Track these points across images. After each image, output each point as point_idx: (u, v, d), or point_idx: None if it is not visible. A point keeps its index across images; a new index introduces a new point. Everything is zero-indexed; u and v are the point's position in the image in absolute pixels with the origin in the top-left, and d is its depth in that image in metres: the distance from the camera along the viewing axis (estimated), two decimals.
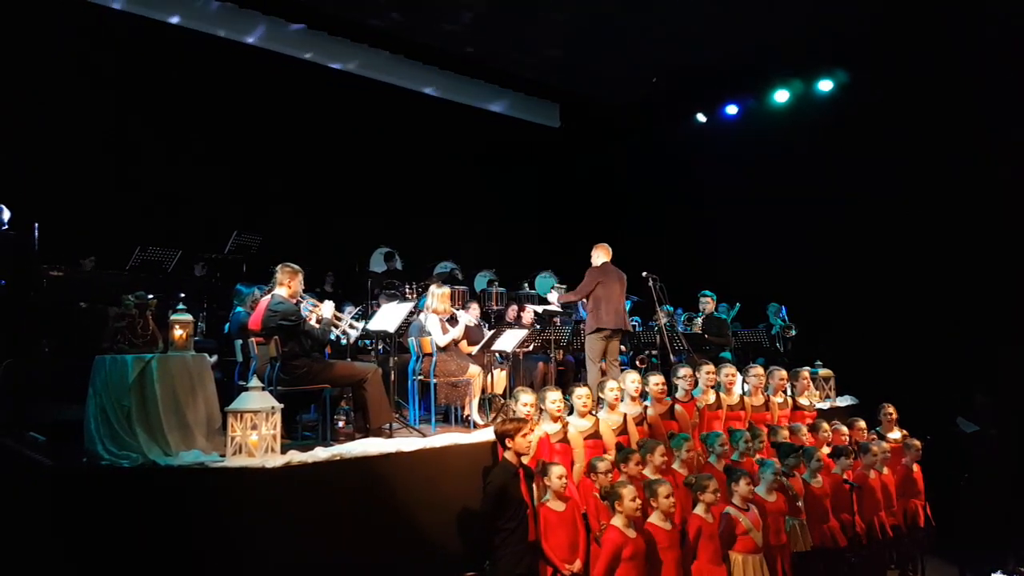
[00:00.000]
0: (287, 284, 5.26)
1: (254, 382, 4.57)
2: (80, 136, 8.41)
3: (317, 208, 10.24)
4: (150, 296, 5.12)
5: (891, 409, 7.25)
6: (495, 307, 9.24)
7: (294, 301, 5.27)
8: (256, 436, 4.37)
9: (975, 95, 9.27)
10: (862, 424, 7.01)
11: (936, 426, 7.75)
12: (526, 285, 10.41)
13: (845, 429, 6.76)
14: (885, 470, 6.61)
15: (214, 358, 6.43)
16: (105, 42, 8.84)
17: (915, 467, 6.79)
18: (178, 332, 4.79)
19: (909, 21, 9.32)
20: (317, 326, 5.30)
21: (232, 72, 9.83)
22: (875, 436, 6.99)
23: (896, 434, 7.11)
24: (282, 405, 4.58)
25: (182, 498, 4.21)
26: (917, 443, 6.82)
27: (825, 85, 11.02)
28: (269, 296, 5.19)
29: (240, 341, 5.89)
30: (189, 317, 4.88)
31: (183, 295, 6.63)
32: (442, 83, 12.07)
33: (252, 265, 7.75)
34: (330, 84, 10.81)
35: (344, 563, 4.40)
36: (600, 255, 7.39)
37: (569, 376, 7.96)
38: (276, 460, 4.33)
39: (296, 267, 5.36)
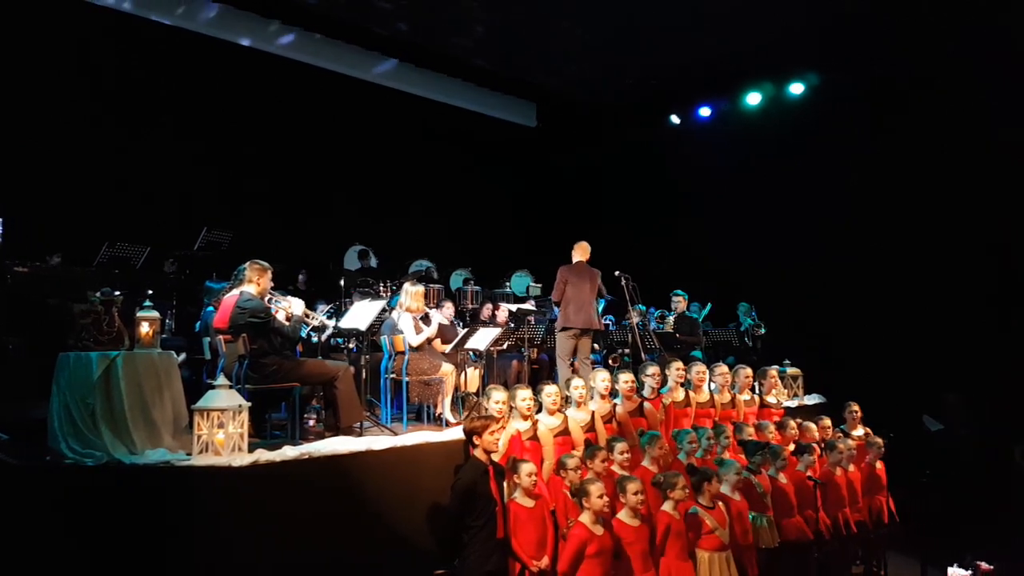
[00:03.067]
0: (256, 281, 5.22)
1: (221, 380, 4.54)
2: (47, 129, 8.27)
3: (291, 205, 10.16)
4: (116, 293, 5.05)
5: (856, 407, 7.37)
6: (470, 306, 9.26)
7: (263, 298, 5.24)
8: (223, 435, 4.34)
9: (945, 97, 9.46)
10: (827, 422, 7.12)
11: (901, 424, 7.90)
12: (507, 285, 10.44)
13: (812, 426, 6.87)
14: (851, 467, 6.72)
15: (182, 356, 6.39)
16: (74, 35, 8.70)
17: (879, 464, 6.92)
18: (145, 329, 4.75)
19: (881, 24, 9.44)
20: (287, 323, 5.27)
21: (205, 68, 9.73)
22: (840, 434, 7.11)
23: (860, 432, 7.24)
24: (250, 403, 4.56)
25: (147, 497, 4.17)
26: (880, 440, 6.95)
27: (796, 88, 11.15)
28: (237, 293, 5.16)
29: (209, 339, 5.85)
30: (156, 314, 4.84)
31: (151, 292, 6.57)
32: (419, 81, 12.04)
33: (223, 262, 7.67)
34: (304, 80, 10.72)
35: (312, 562, 4.38)
36: (576, 254, 7.44)
37: (543, 374, 8.00)
38: (243, 459, 4.30)
39: (265, 264, 5.32)
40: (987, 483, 8.14)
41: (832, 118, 10.50)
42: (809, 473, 6.14)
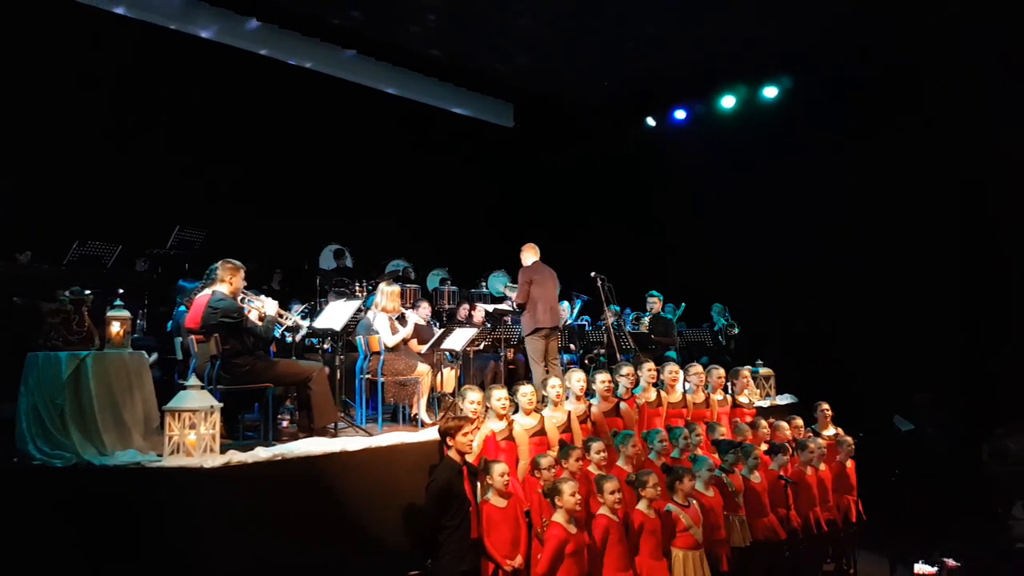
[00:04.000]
0: (228, 281, 5.18)
1: (193, 380, 4.49)
2: (16, 126, 8.13)
3: (266, 204, 10.04)
4: (87, 292, 4.99)
5: (827, 407, 7.47)
6: (447, 306, 9.25)
7: (236, 298, 5.20)
8: (194, 436, 4.31)
9: (916, 101, 9.62)
10: (799, 421, 7.22)
11: (870, 424, 8.02)
12: (484, 285, 10.44)
13: (784, 426, 6.96)
14: (822, 466, 6.82)
15: (154, 356, 6.31)
16: (45, 29, 8.56)
17: (849, 463, 7.03)
18: (115, 329, 4.70)
19: (851, 29, 9.58)
20: (259, 324, 5.23)
21: (179, 64, 9.60)
22: (811, 433, 7.20)
23: (831, 431, 7.34)
24: (222, 404, 4.52)
25: (117, 499, 4.13)
26: (850, 440, 7.06)
27: (770, 92, 11.28)
28: (209, 293, 5.11)
29: (181, 339, 5.79)
30: (127, 314, 4.79)
31: (122, 291, 6.49)
32: (396, 80, 12.01)
33: (196, 261, 7.59)
34: (281, 78, 10.64)
35: (285, 563, 4.35)
36: (528, 255, 7.39)
37: (520, 375, 8.00)
38: (215, 460, 4.26)
39: (237, 263, 5.28)
40: (956, 482, 8.30)
41: (805, 121, 10.64)
42: (782, 472, 6.23)
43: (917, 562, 5.01)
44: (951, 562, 4.71)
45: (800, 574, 6.41)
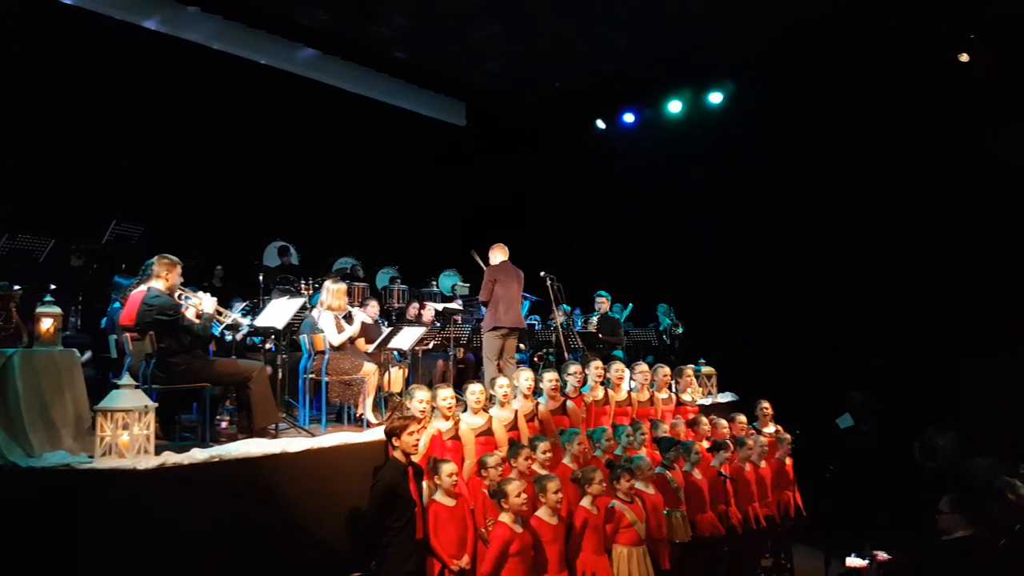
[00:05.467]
0: (164, 277, 5.04)
1: (127, 379, 4.35)
2: None
3: (209, 199, 9.77)
4: (15, 287, 4.80)
5: (767, 405, 7.67)
6: (396, 304, 9.17)
7: (172, 295, 5.07)
8: (127, 436, 4.18)
9: (857, 107, 9.92)
10: (742, 419, 7.38)
11: (809, 421, 8.25)
12: (434, 284, 10.39)
13: (724, 423, 7.11)
14: (762, 463, 6.99)
15: (87, 354, 6.13)
16: None
17: (787, 460, 7.22)
18: (45, 325, 4.54)
19: (796, 34, 9.81)
20: (197, 321, 5.10)
21: (119, 50, 9.25)
22: (753, 431, 7.38)
23: (771, 429, 7.53)
24: (157, 404, 4.40)
25: (46, 502, 3.97)
26: (788, 437, 7.26)
27: (716, 97, 11.49)
28: (144, 289, 4.96)
29: (115, 337, 5.62)
30: (58, 310, 4.62)
31: (54, 287, 6.25)
32: (346, 75, 11.85)
33: (133, 257, 7.35)
34: (225, 69, 10.36)
35: (223, 568, 4.27)
36: (497, 254, 7.46)
37: (469, 374, 8.01)
38: (149, 462, 4.14)
39: (174, 259, 5.14)
40: (888, 478, 8.60)
41: (748, 126, 10.87)
42: (722, 469, 6.36)
43: (850, 555, 5.16)
44: (882, 555, 4.86)
45: (739, 569, 6.56)
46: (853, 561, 5.11)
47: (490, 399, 5.97)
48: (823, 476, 6.71)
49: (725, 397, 8.92)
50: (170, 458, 4.24)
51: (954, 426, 9.07)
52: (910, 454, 9.11)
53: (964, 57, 9.18)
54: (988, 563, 3.89)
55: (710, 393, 8.82)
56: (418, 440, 4.91)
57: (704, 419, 7.04)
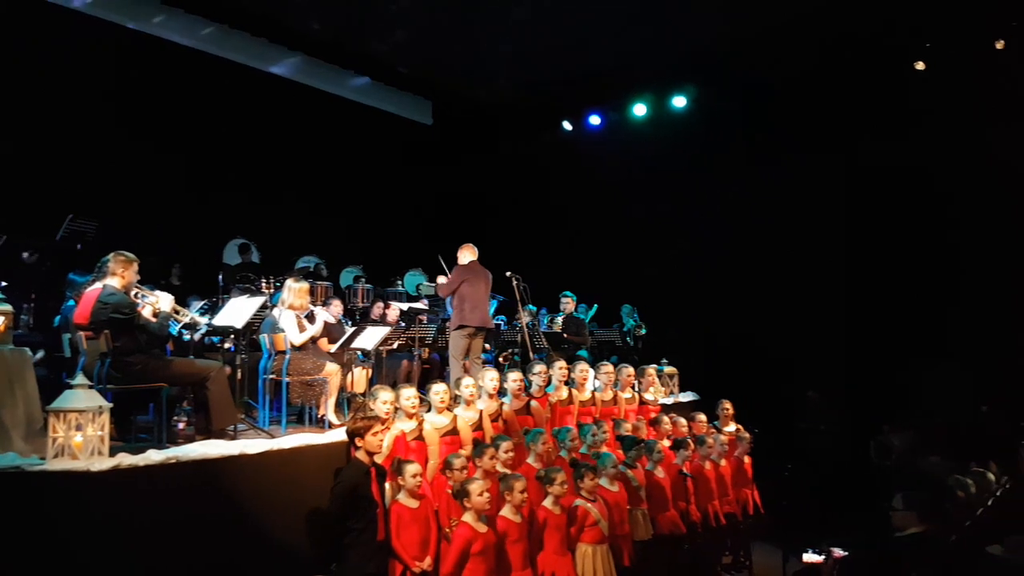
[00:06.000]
0: (120, 274, 4.91)
1: (80, 379, 4.24)
2: None
3: (167, 194, 9.55)
4: None
5: (728, 404, 7.79)
6: (360, 304, 9.10)
7: (128, 292, 4.95)
8: (81, 437, 4.07)
9: (814, 113, 10.10)
10: (702, 418, 7.49)
11: (768, 421, 8.39)
12: (399, 283, 10.32)
13: (684, 422, 7.20)
14: (722, 461, 7.09)
15: (40, 353, 5.98)
16: None
17: (746, 458, 7.33)
18: None
19: (757, 39, 9.96)
20: (153, 320, 5.00)
21: (74, 44, 9.01)
22: (713, 430, 7.48)
23: (732, 428, 7.64)
24: (112, 404, 4.30)
25: None
26: (748, 436, 7.37)
27: (679, 101, 11.61)
28: (99, 287, 4.85)
29: (69, 335, 5.48)
30: (9, 307, 4.51)
31: (5, 284, 6.08)
32: (312, 72, 11.72)
33: (88, 253, 7.17)
34: (186, 63, 10.15)
35: (180, 571, 4.19)
36: (467, 254, 7.45)
37: (434, 374, 7.97)
38: (103, 463, 4.05)
39: (130, 256, 5.03)
40: (844, 476, 8.78)
41: (711, 130, 11.03)
42: (684, 468, 6.44)
43: (807, 551, 5.26)
44: (838, 551, 4.96)
45: (700, 566, 6.64)
46: (810, 557, 5.21)
47: (454, 399, 5.96)
48: (781, 475, 6.82)
49: (687, 396, 9.04)
50: (125, 460, 4.15)
51: (908, 426, 9.31)
52: (866, 453, 9.32)
53: (920, 65, 9.41)
54: (939, 559, 3.99)
55: (672, 392, 8.92)
56: (382, 440, 4.87)
57: (665, 418, 7.13)
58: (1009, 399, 8.85)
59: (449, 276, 7.53)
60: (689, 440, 6.82)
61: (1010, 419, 8.57)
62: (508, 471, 5.19)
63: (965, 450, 7.62)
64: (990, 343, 9.12)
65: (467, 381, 5.94)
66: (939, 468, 7.02)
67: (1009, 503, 4.87)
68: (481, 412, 5.89)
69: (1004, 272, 9.10)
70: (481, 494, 4.67)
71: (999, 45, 8.98)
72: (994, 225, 9.23)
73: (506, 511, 4.89)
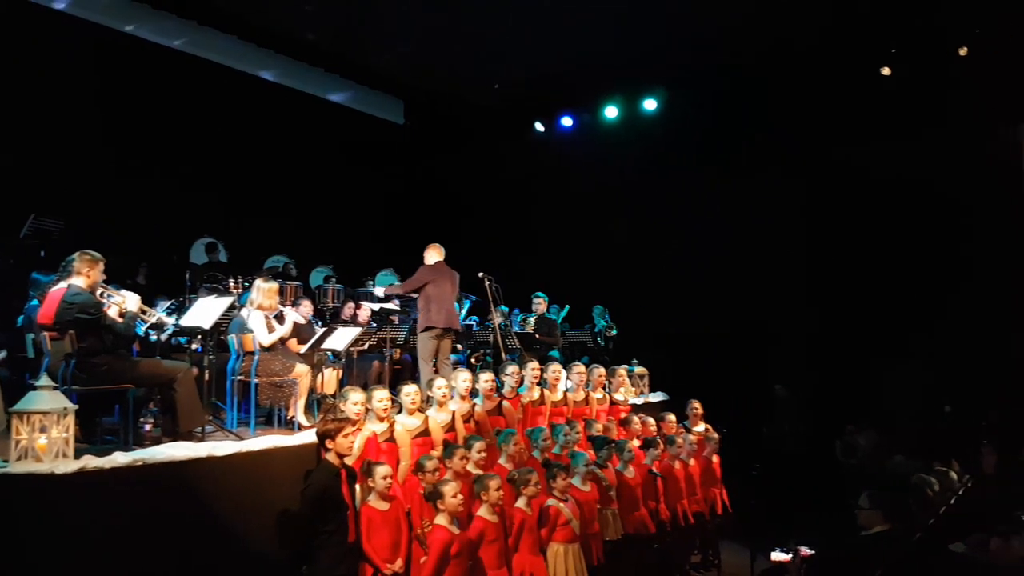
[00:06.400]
0: (85, 274, 4.82)
1: (44, 380, 4.16)
2: None
3: (133, 192, 9.37)
4: None
5: (697, 404, 7.88)
6: (331, 304, 9.02)
7: (94, 292, 4.86)
8: (45, 440, 4.00)
9: (783, 115, 10.26)
10: (672, 418, 7.57)
11: (736, 421, 8.50)
12: (370, 284, 10.24)
13: (652, 422, 7.27)
14: (691, 461, 7.17)
15: (2, 354, 5.85)
16: None
17: (715, 458, 7.42)
18: None
19: (723, 42, 10.08)
20: (120, 320, 4.91)
21: (35, 38, 8.79)
22: (683, 429, 7.56)
23: (701, 427, 7.73)
24: (77, 406, 4.22)
25: None
26: (716, 435, 7.47)
27: (650, 104, 11.70)
28: (64, 286, 4.75)
29: (33, 336, 5.36)
30: None
31: None
32: (281, 69, 11.59)
33: (52, 252, 7.02)
34: (154, 59, 10.00)
35: (147, 573, 4.13)
36: (433, 254, 7.40)
37: (405, 375, 7.93)
38: (68, 466, 3.97)
39: (96, 255, 4.94)
40: (811, 475, 8.93)
41: (681, 132, 11.14)
42: (654, 467, 6.50)
43: (775, 550, 5.35)
44: (805, 550, 5.05)
45: (669, 565, 6.71)
46: (778, 556, 5.30)
47: (427, 400, 5.95)
48: (749, 474, 6.92)
49: (657, 397, 9.11)
50: (91, 462, 4.08)
51: (873, 425, 9.50)
52: (832, 452, 9.49)
53: (886, 70, 9.60)
54: (904, 556, 4.07)
55: (642, 393, 9.00)
56: (353, 441, 4.85)
57: (635, 418, 7.19)
58: (971, 399, 9.10)
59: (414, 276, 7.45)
60: (659, 440, 6.88)
61: (972, 419, 8.82)
62: (480, 472, 5.19)
63: (929, 450, 7.80)
64: (951, 344, 9.34)
65: (439, 382, 5.94)
66: (904, 467, 7.18)
67: (971, 502, 4.99)
68: (454, 413, 5.89)
69: (964, 275, 9.33)
70: (455, 496, 4.68)
71: (962, 52, 9.21)
72: (958, 228, 9.46)
73: (483, 511, 4.91)
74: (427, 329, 7.09)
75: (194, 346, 6.26)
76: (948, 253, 9.48)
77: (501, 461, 5.61)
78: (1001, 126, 9.44)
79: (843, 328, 10.01)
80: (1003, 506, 5.06)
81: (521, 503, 5.14)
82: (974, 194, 9.28)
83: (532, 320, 9.46)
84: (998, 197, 9.33)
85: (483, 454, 5.35)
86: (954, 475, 5.44)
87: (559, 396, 6.88)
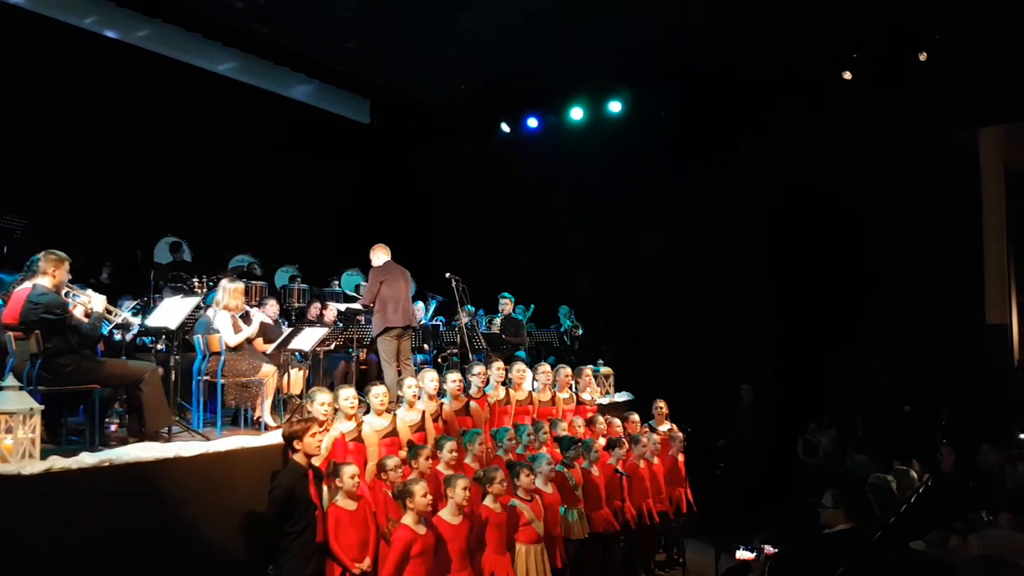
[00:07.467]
0: (51, 273, 4.75)
1: (10, 381, 4.13)
2: None
3: (96, 191, 9.20)
4: None
5: (662, 404, 8.00)
6: (296, 304, 8.96)
7: (59, 292, 4.80)
8: (11, 440, 3.97)
9: (745, 122, 10.47)
10: (636, 417, 7.68)
11: (700, 421, 8.66)
12: (336, 283, 10.19)
13: (618, 422, 7.38)
14: (656, 460, 7.29)
15: None
16: None
17: (680, 457, 7.56)
18: None
19: (687, 45, 10.23)
20: (85, 320, 4.85)
21: None
22: (648, 429, 7.68)
23: (666, 427, 7.86)
24: (42, 406, 4.19)
25: None
26: (681, 435, 7.60)
27: (615, 106, 11.83)
28: (29, 286, 4.68)
29: None
30: None
31: None
32: (244, 65, 11.45)
33: (16, 252, 6.87)
34: (115, 57, 9.80)
35: (114, 574, 4.11)
36: (380, 255, 7.31)
37: (372, 375, 7.91)
38: (34, 467, 3.95)
39: (62, 255, 4.87)
40: (774, 475, 9.15)
41: (645, 134, 11.30)
42: (618, 466, 6.59)
43: (739, 548, 5.45)
44: (768, 548, 5.16)
45: (634, 564, 6.82)
46: (742, 554, 5.39)
47: (396, 400, 5.96)
48: (713, 473, 7.06)
49: (622, 396, 9.23)
50: (57, 463, 4.06)
51: (834, 424, 9.76)
52: (794, 451, 9.72)
53: (847, 75, 9.84)
54: (865, 554, 4.19)
55: (608, 392, 9.10)
56: (321, 442, 4.85)
57: (600, 418, 7.28)
58: (929, 400, 9.39)
59: (368, 281, 7.35)
60: (623, 439, 6.98)
61: (931, 419, 9.11)
62: (452, 472, 5.23)
63: (888, 449, 8.04)
64: (908, 344, 9.63)
65: (410, 382, 5.95)
66: (865, 466, 7.38)
67: (930, 500, 5.15)
68: (423, 413, 5.91)
69: (918, 278, 9.64)
70: (424, 495, 4.71)
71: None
72: (914, 229, 9.75)
73: (444, 512, 4.93)
74: (386, 330, 7.00)
75: (159, 346, 6.19)
76: (906, 259, 9.75)
77: (467, 461, 5.65)
78: (958, 129, 9.77)
79: (804, 329, 10.25)
80: (961, 504, 5.26)
81: (488, 501, 5.19)
82: (929, 196, 9.59)
83: (498, 320, 9.50)
84: (953, 199, 9.67)
85: (455, 454, 5.38)
86: (914, 474, 5.60)
87: (524, 395, 6.94)
